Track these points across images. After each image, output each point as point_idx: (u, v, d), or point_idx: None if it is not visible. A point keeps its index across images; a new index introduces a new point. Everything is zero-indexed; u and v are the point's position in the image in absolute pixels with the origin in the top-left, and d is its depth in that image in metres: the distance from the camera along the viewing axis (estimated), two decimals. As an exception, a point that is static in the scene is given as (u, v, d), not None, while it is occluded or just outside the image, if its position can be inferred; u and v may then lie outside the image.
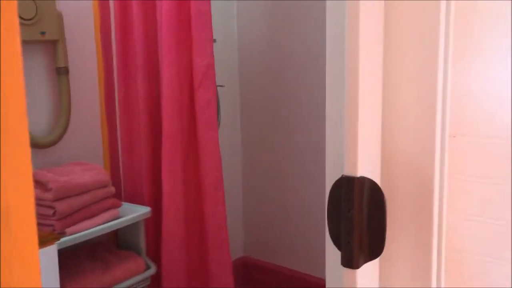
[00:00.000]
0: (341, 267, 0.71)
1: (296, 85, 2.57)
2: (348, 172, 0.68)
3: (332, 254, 0.74)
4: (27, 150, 0.35)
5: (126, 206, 1.98)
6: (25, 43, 1.80)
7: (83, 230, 1.74)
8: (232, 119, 2.76)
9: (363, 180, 0.69)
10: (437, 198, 0.70)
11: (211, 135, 2.04)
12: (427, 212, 0.70)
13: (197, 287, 2.11)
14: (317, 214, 2.58)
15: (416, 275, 0.73)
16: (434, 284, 0.73)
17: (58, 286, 1.54)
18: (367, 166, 0.69)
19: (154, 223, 2.06)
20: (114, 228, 1.87)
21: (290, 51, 2.57)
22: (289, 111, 2.62)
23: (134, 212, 1.93)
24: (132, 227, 1.95)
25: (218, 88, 2.32)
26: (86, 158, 2.03)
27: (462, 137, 0.69)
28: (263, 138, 2.74)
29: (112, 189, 1.90)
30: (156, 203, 2.06)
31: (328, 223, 0.72)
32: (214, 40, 2.10)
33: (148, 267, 1.94)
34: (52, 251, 1.52)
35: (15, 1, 0.34)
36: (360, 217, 0.68)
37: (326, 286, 0.81)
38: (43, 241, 1.52)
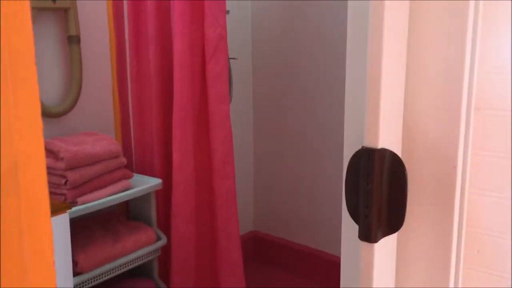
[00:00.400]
0: (358, 241, 0.70)
1: (310, 57, 2.53)
2: (368, 143, 0.66)
3: (349, 227, 0.73)
4: (37, 109, 0.33)
5: (137, 177, 1.98)
6: (36, 10, 1.77)
7: (95, 200, 1.74)
8: (244, 92, 2.73)
9: (384, 152, 0.66)
10: (460, 173, 0.68)
11: (222, 107, 2.02)
12: (449, 187, 0.68)
13: (205, 260, 2.11)
14: (328, 189, 2.57)
15: (435, 251, 0.71)
16: (453, 261, 0.71)
17: (70, 255, 1.54)
18: (388, 138, 0.66)
19: (164, 194, 2.06)
20: (126, 199, 1.87)
21: (304, 22, 2.52)
22: (302, 84, 2.59)
23: (145, 184, 1.92)
24: (143, 198, 1.95)
25: (231, 60, 2.29)
26: (97, 128, 2.02)
27: (486, 111, 0.67)
28: (275, 112, 2.71)
29: (124, 159, 1.89)
30: (166, 175, 2.05)
31: (346, 196, 0.70)
32: (227, 12, 2.06)
33: (158, 238, 1.94)
34: (64, 219, 1.53)
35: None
36: (379, 190, 0.66)
37: (342, 260, 0.80)
38: (55, 210, 1.52)
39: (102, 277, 1.75)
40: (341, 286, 0.82)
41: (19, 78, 0.31)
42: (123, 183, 1.87)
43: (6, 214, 0.30)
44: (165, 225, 2.06)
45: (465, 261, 0.73)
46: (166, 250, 2.03)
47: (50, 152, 1.70)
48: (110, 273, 1.77)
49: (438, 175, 0.70)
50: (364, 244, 0.69)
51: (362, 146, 0.68)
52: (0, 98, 0.29)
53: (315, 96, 2.54)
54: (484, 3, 0.66)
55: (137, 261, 1.86)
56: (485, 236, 0.72)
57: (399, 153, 0.69)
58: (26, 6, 0.32)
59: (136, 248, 1.85)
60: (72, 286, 1.59)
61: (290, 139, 2.67)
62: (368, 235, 0.68)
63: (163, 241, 1.95)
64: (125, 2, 2.07)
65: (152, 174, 2.06)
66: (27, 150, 0.31)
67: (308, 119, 2.59)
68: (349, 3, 0.75)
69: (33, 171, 0.34)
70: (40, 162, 0.35)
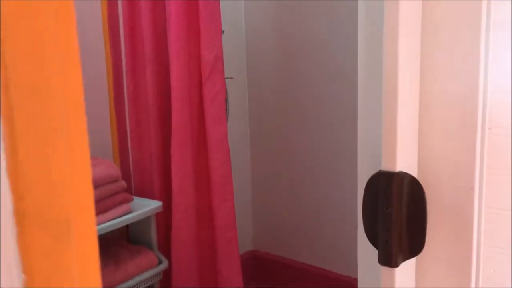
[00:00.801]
0: (377, 265, 0.69)
1: (305, 76, 2.54)
2: (386, 167, 0.66)
3: (366, 251, 0.73)
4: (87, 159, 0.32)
5: (136, 200, 1.96)
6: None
7: (96, 225, 1.72)
8: (240, 111, 2.73)
9: (403, 176, 0.67)
10: (477, 194, 0.68)
11: (220, 129, 2.01)
12: (467, 208, 0.68)
13: (206, 283, 2.09)
14: (328, 205, 2.56)
15: (455, 274, 0.71)
16: (473, 282, 0.71)
17: None
18: (405, 161, 0.67)
19: (164, 216, 2.04)
20: (127, 223, 1.85)
21: (299, 41, 2.54)
22: (298, 103, 2.59)
23: (145, 207, 1.91)
24: (143, 222, 1.93)
25: (227, 80, 2.29)
26: (95, 152, 2.00)
27: (496, 130, 0.66)
28: (272, 131, 2.71)
29: (123, 183, 1.88)
30: (166, 197, 2.04)
31: (364, 220, 0.70)
32: (222, 32, 2.07)
33: (160, 262, 1.92)
34: None
35: None
36: (399, 214, 0.66)
37: (359, 283, 0.80)
38: None
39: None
40: (360, 310, 0.82)
41: (72, 121, 0.30)
42: (124, 207, 1.85)
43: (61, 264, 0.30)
44: (165, 248, 2.04)
45: (483, 281, 0.72)
46: (168, 274, 2.00)
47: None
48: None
49: (455, 197, 0.70)
50: (385, 268, 0.68)
51: (380, 170, 0.68)
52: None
53: (312, 113, 2.54)
54: (494, 27, 0.66)
55: (139, 286, 1.84)
56: (501, 255, 0.71)
57: (415, 175, 0.69)
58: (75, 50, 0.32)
59: (138, 273, 1.83)
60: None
61: (287, 157, 2.67)
62: (389, 260, 0.68)
63: (164, 264, 1.93)
64: (121, 24, 2.07)
65: (151, 196, 2.04)
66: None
67: (305, 137, 2.59)
68: (360, 27, 0.75)
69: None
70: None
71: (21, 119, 0.30)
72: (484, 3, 0.65)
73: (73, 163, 0.31)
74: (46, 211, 0.33)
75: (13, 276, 0.33)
